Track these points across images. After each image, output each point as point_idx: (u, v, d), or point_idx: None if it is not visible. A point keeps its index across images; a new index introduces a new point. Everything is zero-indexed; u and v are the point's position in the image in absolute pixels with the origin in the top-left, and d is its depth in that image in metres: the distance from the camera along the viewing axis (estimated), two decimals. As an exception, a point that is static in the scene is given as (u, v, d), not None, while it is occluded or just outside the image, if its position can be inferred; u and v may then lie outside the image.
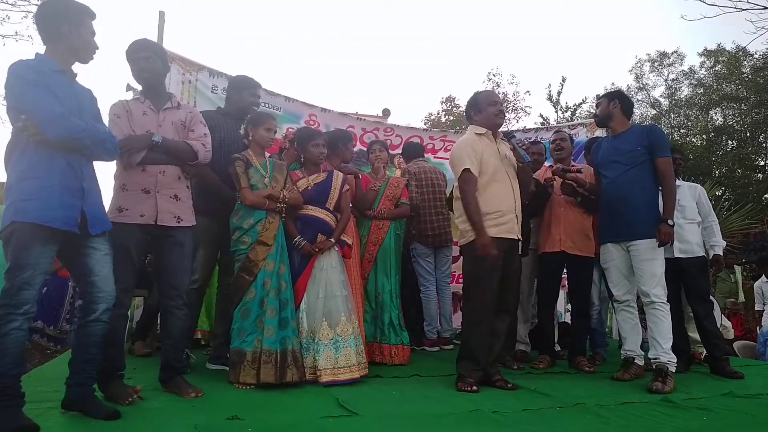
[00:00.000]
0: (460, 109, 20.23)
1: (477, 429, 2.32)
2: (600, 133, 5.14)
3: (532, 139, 5.22)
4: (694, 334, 4.05)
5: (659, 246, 3.29)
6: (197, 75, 4.70)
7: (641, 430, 2.37)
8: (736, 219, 8.66)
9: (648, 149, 3.39)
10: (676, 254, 3.78)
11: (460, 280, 5.38)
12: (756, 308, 6.49)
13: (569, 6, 36.95)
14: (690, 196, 3.95)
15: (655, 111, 20.74)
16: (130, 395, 2.41)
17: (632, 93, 20.52)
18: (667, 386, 3.08)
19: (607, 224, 3.56)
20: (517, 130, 6.27)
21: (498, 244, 3.04)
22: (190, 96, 4.63)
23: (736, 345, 5.69)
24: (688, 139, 18.37)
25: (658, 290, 3.28)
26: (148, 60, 2.70)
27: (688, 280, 3.85)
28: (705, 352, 3.98)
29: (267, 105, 4.79)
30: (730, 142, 18.49)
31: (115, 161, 2.59)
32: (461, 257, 3.39)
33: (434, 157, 5.61)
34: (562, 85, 18.07)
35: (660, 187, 3.41)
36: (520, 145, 3.40)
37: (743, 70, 17.85)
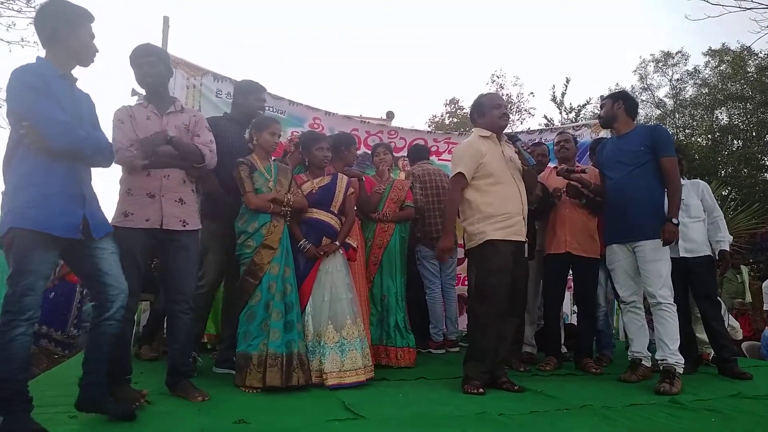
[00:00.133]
0: (464, 111, 20.25)
1: None
2: (604, 134, 5.12)
3: (535, 141, 5.22)
4: (702, 335, 4.02)
5: (664, 245, 3.27)
6: (202, 79, 4.73)
7: (649, 432, 2.35)
8: (743, 219, 8.59)
9: (652, 149, 3.37)
10: (682, 254, 3.74)
11: (465, 283, 5.43)
12: (765, 308, 6.44)
13: (572, 7, 36.93)
14: (694, 193, 3.90)
15: (659, 111, 20.64)
16: (137, 399, 2.41)
17: (637, 93, 20.41)
18: (675, 388, 3.05)
19: (612, 225, 3.54)
20: (521, 132, 6.27)
21: (505, 247, 3.04)
22: (195, 100, 4.66)
23: (744, 346, 5.65)
24: (693, 139, 18.28)
25: (664, 291, 3.26)
26: (152, 64, 2.71)
27: (694, 279, 3.80)
28: (713, 352, 3.95)
29: (271, 109, 4.81)
30: (735, 141, 18.38)
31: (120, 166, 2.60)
32: (466, 259, 3.39)
33: (438, 160, 5.61)
34: (566, 86, 18.10)
35: (665, 188, 3.38)
36: (524, 148, 3.40)
37: (748, 69, 17.77)
